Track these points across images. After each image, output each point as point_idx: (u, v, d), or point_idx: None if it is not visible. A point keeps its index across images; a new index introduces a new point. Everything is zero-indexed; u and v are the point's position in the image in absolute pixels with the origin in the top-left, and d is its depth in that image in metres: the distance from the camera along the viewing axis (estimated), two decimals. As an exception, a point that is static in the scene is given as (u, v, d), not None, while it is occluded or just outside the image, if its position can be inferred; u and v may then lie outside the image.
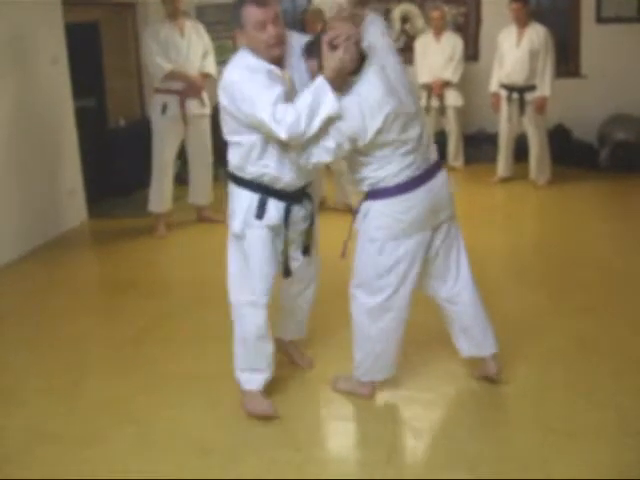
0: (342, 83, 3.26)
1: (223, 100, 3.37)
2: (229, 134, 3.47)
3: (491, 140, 8.94)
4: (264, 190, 3.46)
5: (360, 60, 3.28)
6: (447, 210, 3.62)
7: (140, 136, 7.57)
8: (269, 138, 3.33)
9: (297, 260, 3.74)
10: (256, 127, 3.30)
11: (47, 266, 6.24)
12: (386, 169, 3.40)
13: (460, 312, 3.79)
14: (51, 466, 3.39)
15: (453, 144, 9.06)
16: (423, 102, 8.74)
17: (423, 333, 4.23)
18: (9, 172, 6.40)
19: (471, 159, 9.22)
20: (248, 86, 3.24)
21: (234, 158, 3.48)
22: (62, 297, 5.51)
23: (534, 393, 3.84)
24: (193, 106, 6.75)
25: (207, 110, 6.87)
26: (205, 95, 6.82)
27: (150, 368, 4.29)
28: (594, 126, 9.00)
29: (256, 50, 3.35)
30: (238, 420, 3.70)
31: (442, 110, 8.83)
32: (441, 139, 8.89)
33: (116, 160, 8.29)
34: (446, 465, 3.30)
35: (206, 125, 6.93)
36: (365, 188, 3.51)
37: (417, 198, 3.45)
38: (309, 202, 3.66)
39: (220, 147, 4.19)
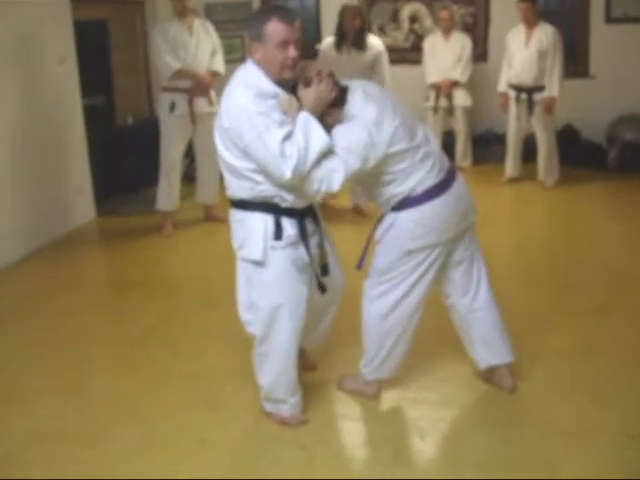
0: (333, 117, 3.30)
1: (225, 122, 3.24)
2: (227, 155, 3.30)
3: (499, 140, 8.92)
4: (276, 210, 3.32)
5: (341, 92, 3.32)
6: (473, 212, 3.66)
7: (148, 134, 7.57)
8: (265, 174, 3.22)
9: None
10: (254, 160, 3.18)
11: (53, 264, 6.25)
12: (412, 179, 3.40)
13: (478, 325, 3.80)
14: (53, 465, 3.38)
15: (461, 144, 9.03)
16: (432, 102, 8.74)
17: (428, 334, 4.19)
18: (17, 170, 6.41)
19: (479, 159, 9.19)
20: (259, 118, 3.11)
21: (239, 183, 3.32)
22: (67, 295, 5.52)
23: (539, 393, 3.84)
24: (201, 104, 6.76)
25: (215, 108, 6.84)
26: (213, 94, 6.82)
27: (155, 367, 4.30)
28: (603, 126, 8.96)
29: (268, 67, 3.24)
30: (242, 419, 3.71)
31: (451, 110, 8.79)
32: (449, 139, 8.89)
33: (124, 158, 8.30)
34: (452, 465, 3.30)
35: (214, 124, 6.91)
36: (393, 205, 3.48)
37: (447, 202, 3.47)
38: (315, 215, 3.56)
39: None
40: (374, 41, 6.93)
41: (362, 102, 3.33)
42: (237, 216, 3.41)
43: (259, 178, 3.25)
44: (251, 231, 3.35)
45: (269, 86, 3.23)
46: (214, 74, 6.85)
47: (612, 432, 3.46)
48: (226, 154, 3.29)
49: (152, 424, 3.68)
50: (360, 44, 6.74)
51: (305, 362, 4.03)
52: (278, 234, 3.32)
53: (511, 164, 8.40)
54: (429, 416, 3.68)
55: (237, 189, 3.35)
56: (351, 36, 6.72)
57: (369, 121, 3.27)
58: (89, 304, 5.36)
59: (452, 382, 3.98)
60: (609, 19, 9.14)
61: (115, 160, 8.26)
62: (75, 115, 7.31)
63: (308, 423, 3.62)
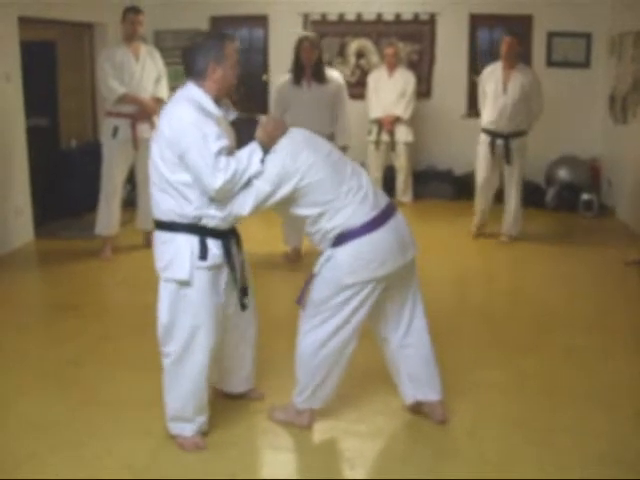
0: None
1: (165, 131, 3.40)
2: (162, 167, 3.44)
3: (440, 177, 9.07)
4: (201, 231, 3.44)
5: None
6: (413, 248, 3.71)
7: (92, 158, 7.53)
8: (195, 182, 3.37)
9: (231, 305, 3.72)
10: (187, 166, 3.34)
11: (-12, 285, 6.16)
12: (342, 214, 3.49)
13: (407, 361, 3.85)
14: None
15: (402, 180, 9.11)
16: (374, 137, 8.85)
17: (363, 365, 4.21)
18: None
19: (420, 195, 9.33)
20: (197, 128, 3.32)
21: (168, 203, 3.45)
22: (0, 316, 5.43)
23: (470, 426, 3.88)
24: (144, 130, 6.73)
25: (158, 135, 6.86)
26: (157, 120, 6.81)
27: (86, 391, 4.26)
28: (542, 167, 9.18)
29: (222, 86, 3.49)
30: (171, 447, 3.67)
31: (392, 145, 8.90)
32: (390, 174, 9.01)
33: (67, 181, 8.24)
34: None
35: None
36: (330, 241, 3.54)
37: (384, 236, 3.53)
38: (238, 237, 3.70)
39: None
40: (334, 74, 6.73)
41: (284, 139, 3.51)
42: (163, 237, 3.52)
43: (191, 196, 3.39)
44: (177, 251, 3.46)
45: (209, 104, 3.44)
46: (158, 100, 6.85)
47: (543, 467, 3.50)
48: (161, 165, 3.43)
49: (80, 449, 3.63)
50: (319, 76, 6.51)
51: (252, 392, 4.11)
52: (203, 254, 3.44)
53: (479, 216, 7.67)
54: (360, 447, 3.69)
55: (166, 210, 3.47)
56: (309, 69, 6.50)
57: (286, 153, 3.45)
58: (21, 326, 5.28)
59: (384, 414, 4.01)
60: (550, 62, 9.40)
61: (58, 183, 8.19)
62: (18, 135, 7.24)
63: (206, 449, 3.61)
